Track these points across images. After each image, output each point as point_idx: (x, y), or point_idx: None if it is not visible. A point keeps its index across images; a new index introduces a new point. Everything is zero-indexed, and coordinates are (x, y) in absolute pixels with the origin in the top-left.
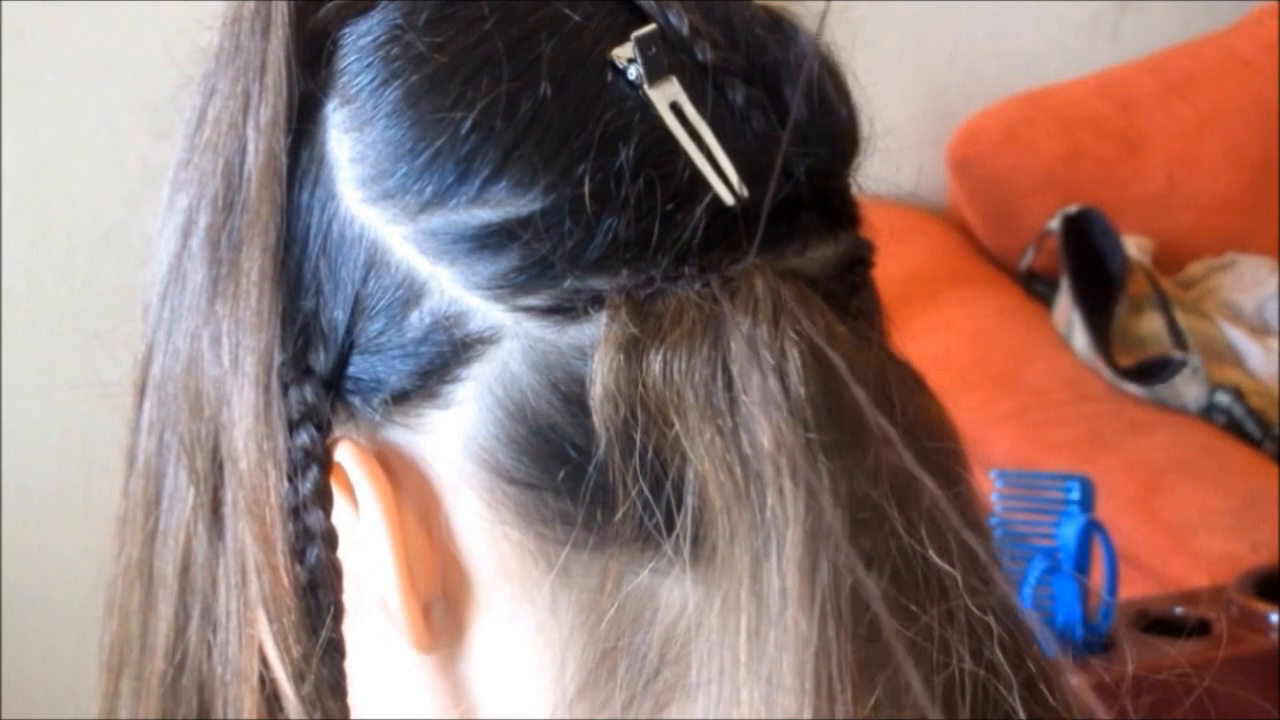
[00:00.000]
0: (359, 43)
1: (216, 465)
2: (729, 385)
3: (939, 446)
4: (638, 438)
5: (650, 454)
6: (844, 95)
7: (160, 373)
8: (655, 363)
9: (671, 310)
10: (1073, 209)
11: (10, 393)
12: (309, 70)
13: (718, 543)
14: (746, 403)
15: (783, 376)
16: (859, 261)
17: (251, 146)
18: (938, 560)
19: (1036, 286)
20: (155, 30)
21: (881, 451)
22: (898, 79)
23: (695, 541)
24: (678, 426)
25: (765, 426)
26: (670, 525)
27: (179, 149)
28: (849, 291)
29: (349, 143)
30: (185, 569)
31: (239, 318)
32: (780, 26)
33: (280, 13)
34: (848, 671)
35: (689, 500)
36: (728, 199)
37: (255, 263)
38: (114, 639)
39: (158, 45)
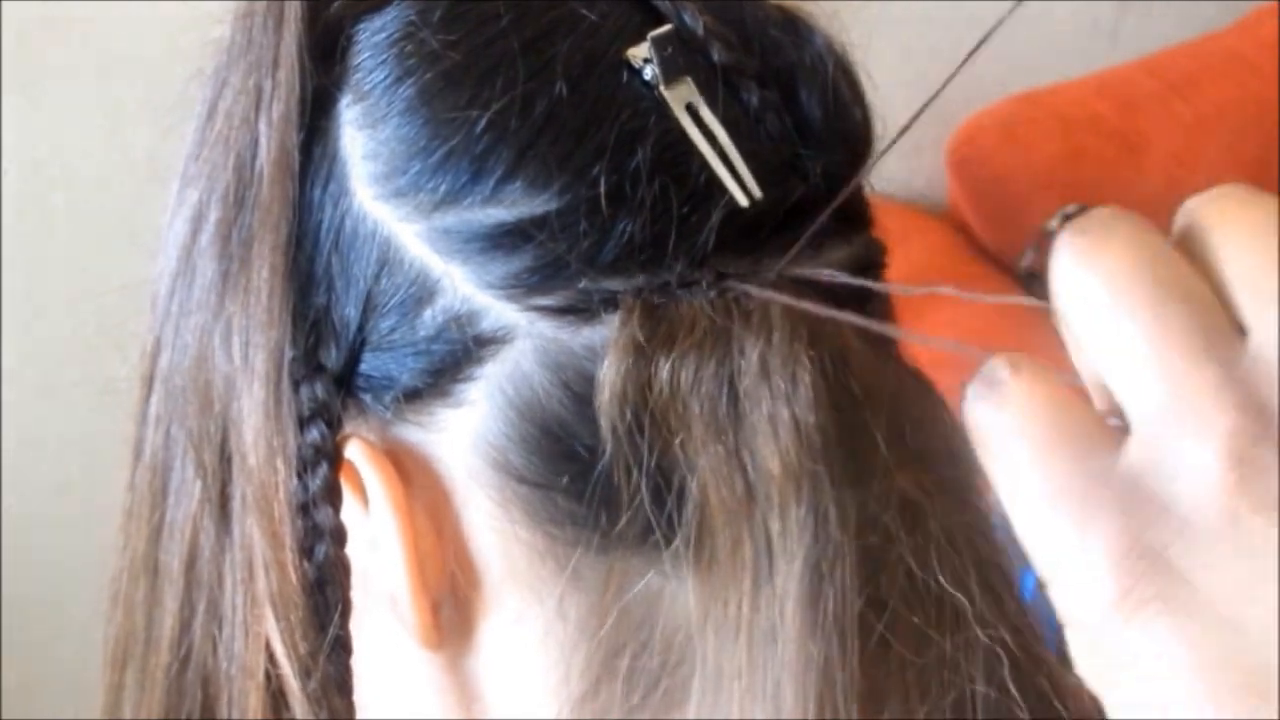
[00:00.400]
0: (373, 39)
1: (225, 461)
2: (734, 402)
3: (952, 469)
4: (643, 442)
5: (655, 459)
6: (858, 96)
7: (168, 367)
8: (664, 370)
9: (684, 319)
10: (1072, 209)
11: (11, 391)
12: (322, 66)
13: (718, 554)
14: (753, 423)
15: (792, 402)
16: (872, 264)
17: (263, 142)
18: (949, 586)
19: (1036, 286)
20: (157, 29)
21: (893, 476)
22: (898, 79)
23: (697, 550)
24: (682, 435)
25: (773, 451)
26: (674, 531)
27: (189, 142)
28: (864, 294)
29: (362, 139)
30: (191, 563)
31: (249, 314)
32: (795, 27)
33: (293, 8)
34: (853, 694)
35: (691, 508)
36: (743, 201)
37: (266, 259)
38: (118, 632)
39: (160, 44)
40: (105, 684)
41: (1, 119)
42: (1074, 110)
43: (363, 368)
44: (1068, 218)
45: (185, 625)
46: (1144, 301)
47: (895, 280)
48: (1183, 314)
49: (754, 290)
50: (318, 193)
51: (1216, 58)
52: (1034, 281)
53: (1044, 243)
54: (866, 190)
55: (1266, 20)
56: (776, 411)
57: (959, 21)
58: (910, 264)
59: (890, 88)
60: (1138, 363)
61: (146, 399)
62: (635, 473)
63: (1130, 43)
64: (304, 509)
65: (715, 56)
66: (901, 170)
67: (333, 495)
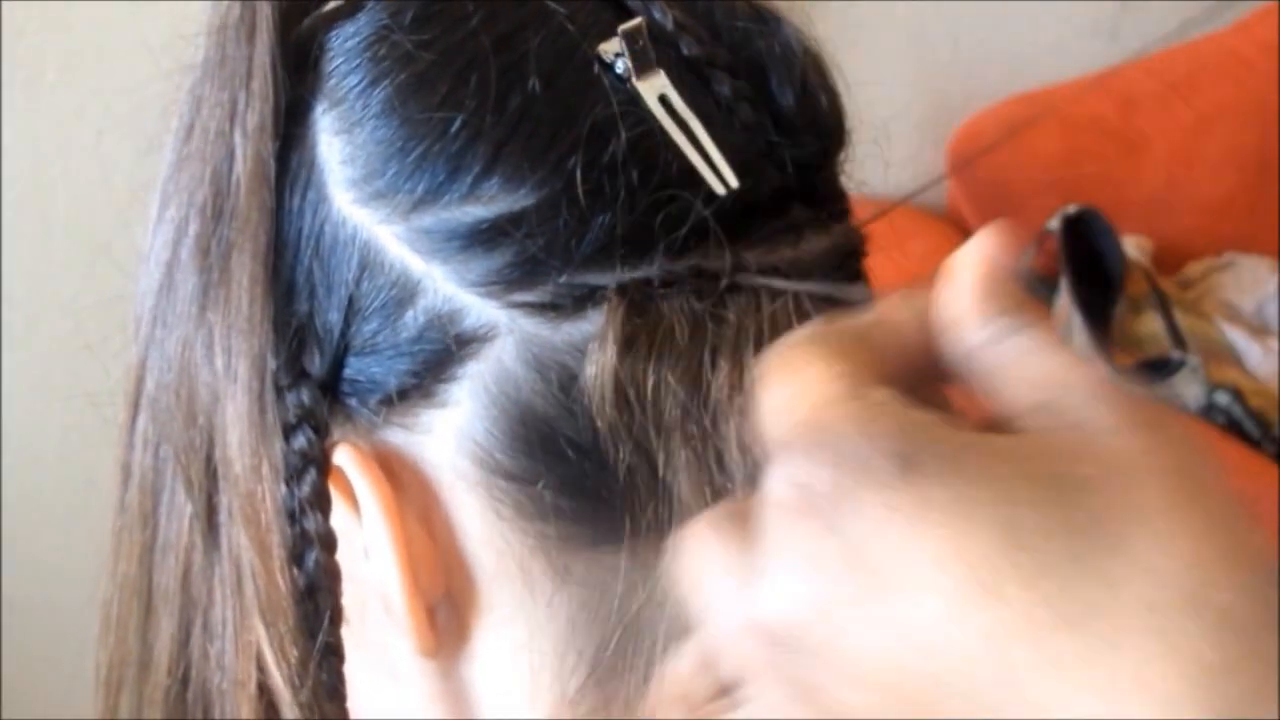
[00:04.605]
0: (346, 44)
1: (210, 472)
2: (705, 411)
3: None
4: (627, 438)
5: (639, 455)
6: (826, 85)
7: (153, 385)
8: (642, 369)
9: (664, 320)
10: (1072, 209)
11: (10, 397)
12: (296, 74)
13: None
14: (722, 434)
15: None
16: (852, 253)
17: (239, 153)
18: None
19: (1036, 286)
20: (156, 31)
21: None
22: (898, 79)
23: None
24: (663, 435)
25: (741, 468)
26: (659, 528)
27: (167, 160)
28: (845, 284)
29: (339, 145)
30: (185, 581)
31: (231, 323)
32: (763, 18)
33: (265, 19)
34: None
35: (673, 507)
36: (719, 189)
37: (246, 269)
38: (111, 656)
39: (159, 46)
40: (99, 708)
41: (1, 120)
42: (1074, 110)
43: (347, 372)
44: (1067, 218)
45: (182, 646)
46: None
47: (895, 281)
48: None
49: (734, 291)
50: (296, 200)
51: (1216, 58)
52: (1034, 281)
53: (1044, 243)
54: (864, 191)
55: (1266, 20)
56: (745, 427)
57: (950, 22)
58: (910, 264)
59: (879, 88)
60: None
61: (133, 420)
62: (620, 469)
63: (1130, 43)
64: (292, 516)
65: (685, 49)
66: (902, 170)
67: (321, 501)
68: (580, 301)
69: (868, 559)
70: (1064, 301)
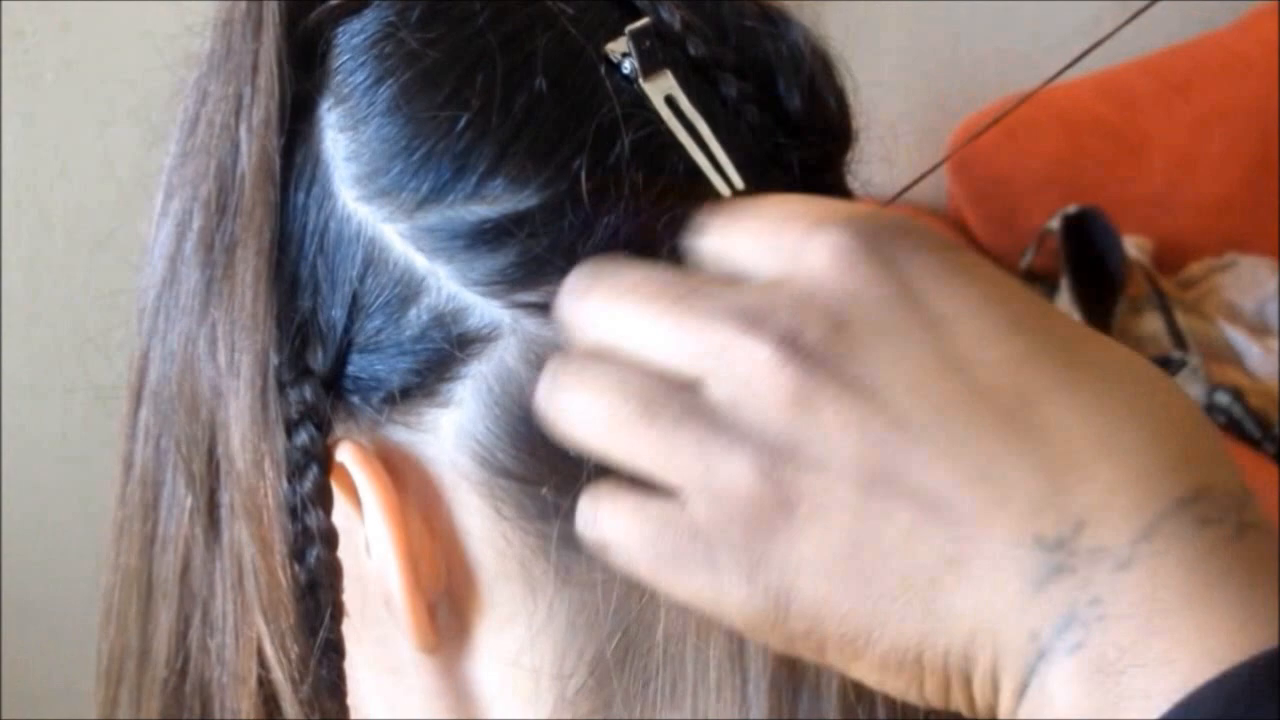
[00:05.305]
0: (352, 41)
1: (213, 467)
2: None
3: None
4: None
5: None
6: (834, 86)
7: (156, 378)
8: None
9: None
10: (1072, 209)
11: (10, 394)
12: (302, 70)
13: None
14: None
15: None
16: None
17: (244, 148)
18: None
19: (1036, 286)
20: (156, 30)
21: None
22: (898, 79)
23: None
24: None
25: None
26: None
27: (172, 153)
28: None
29: (344, 141)
30: (184, 574)
31: (234, 319)
32: (770, 18)
33: (271, 14)
34: (833, 699)
35: None
36: (725, 192)
37: (250, 264)
38: (111, 647)
39: (158, 45)
40: (99, 700)
41: (1, 120)
42: (1074, 110)
43: (350, 369)
44: (1068, 218)
45: (181, 638)
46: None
47: None
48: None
49: None
50: (301, 196)
51: (1216, 58)
52: (1034, 281)
53: (1044, 243)
54: (862, 190)
55: (1266, 20)
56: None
57: (950, 22)
58: None
59: (879, 89)
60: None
61: (135, 412)
62: (621, 471)
63: (1130, 43)
64: (294, 513)
65: (692, 50)
66: (901, 171)
67: (323, 498)
68: None
69: (928, 303)
70: (1064, 301)
